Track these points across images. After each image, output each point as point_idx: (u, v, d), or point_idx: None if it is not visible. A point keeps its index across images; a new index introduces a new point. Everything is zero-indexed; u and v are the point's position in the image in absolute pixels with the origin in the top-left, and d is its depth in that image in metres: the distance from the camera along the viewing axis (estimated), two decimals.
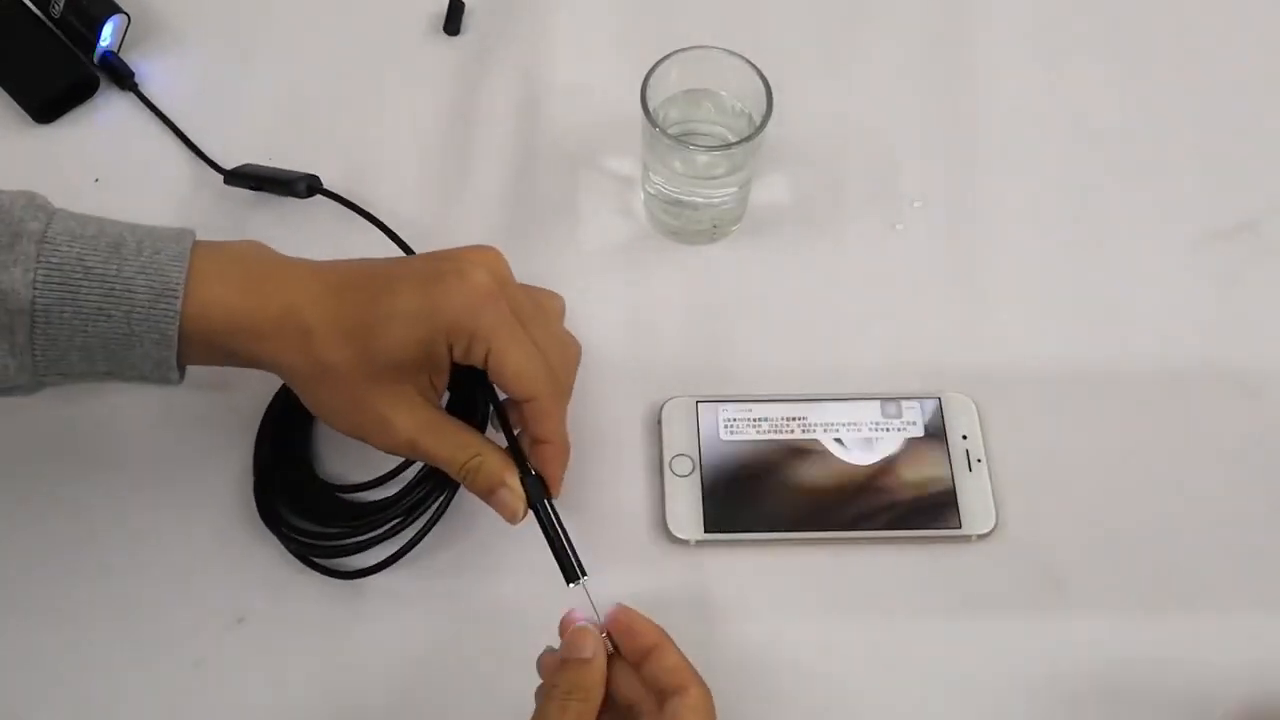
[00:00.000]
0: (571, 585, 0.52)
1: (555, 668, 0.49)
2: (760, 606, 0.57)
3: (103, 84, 0.72)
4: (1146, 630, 0.57)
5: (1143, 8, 0.77)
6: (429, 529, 0.56)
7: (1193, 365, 0.64)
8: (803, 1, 0.77)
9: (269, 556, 0.57)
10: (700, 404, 0.61)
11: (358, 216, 0.65)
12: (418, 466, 0.57)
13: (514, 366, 0.51)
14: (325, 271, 0.53)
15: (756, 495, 0.59)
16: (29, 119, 0.71)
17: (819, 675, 0.55)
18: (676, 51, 0.62)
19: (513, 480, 0.53)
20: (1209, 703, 0.55)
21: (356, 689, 0.55)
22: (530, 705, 0.49)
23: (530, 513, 0.53)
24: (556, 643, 0.50)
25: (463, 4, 0.76)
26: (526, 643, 0.50)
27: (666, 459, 0.60)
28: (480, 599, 0.57)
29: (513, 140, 0.71)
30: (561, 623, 0.50)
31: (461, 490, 0.55)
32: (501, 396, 0.55)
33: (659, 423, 0.61)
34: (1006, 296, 0.66)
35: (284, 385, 0.57)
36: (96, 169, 0.69)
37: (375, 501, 0.57)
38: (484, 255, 0.52)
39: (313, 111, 0.72)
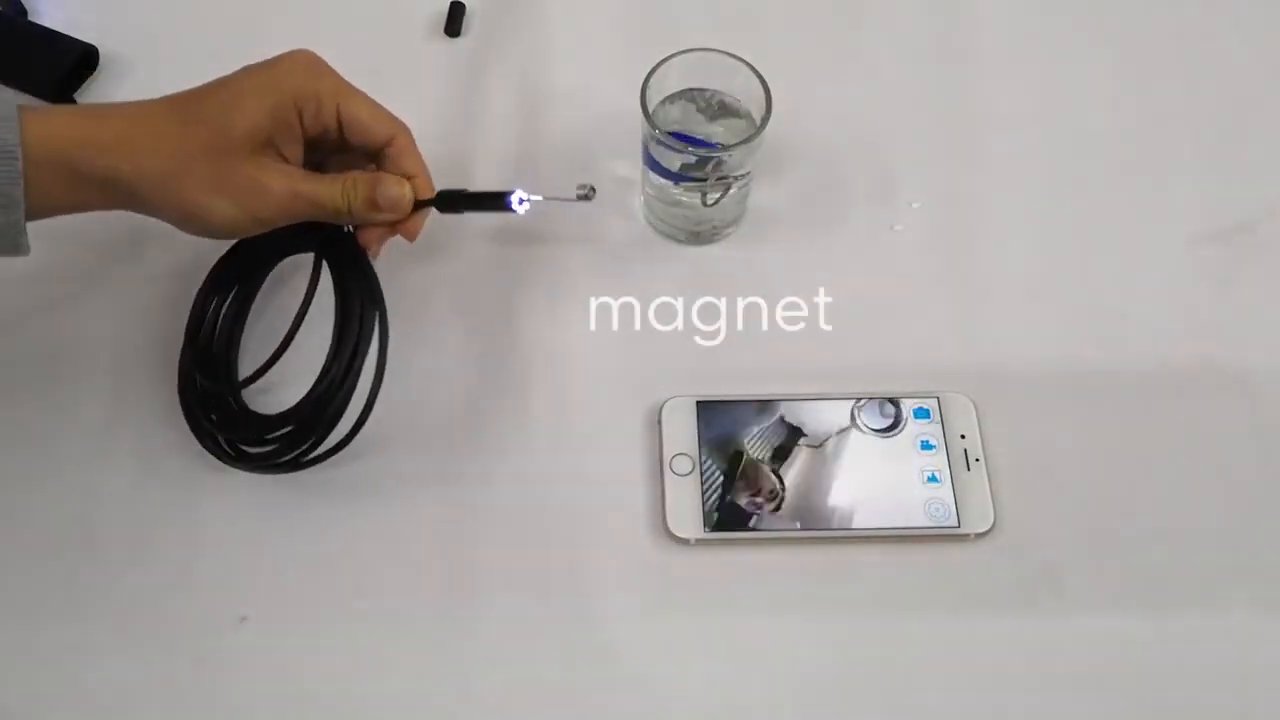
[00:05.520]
0: (521, 208, 0.59)
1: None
2: (760, 606, 0.57)
3: (103, 56, 0.73)
4: (1144, 629, 0.57)
5: (1142, 8, 0.77)
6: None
7: (1191, 365, 0.64)
8: (802, 3, 0.77)
9: (269, 552, 0.58)
10: (700, 404, 0.61)
11: None
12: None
13: (367, 111, 0.57)
14: (162, 96, 0.54)
15: (756, 495, 0.59)
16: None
17: (819, 674, 0.56)
18: (676, 53, 0.62)
19: (390, 175, 0.57)
20: (1207, 703, 0.55)
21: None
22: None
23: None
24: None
25: (463, 6, 0.76)
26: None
27: (666, 459, 0.60)
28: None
29: (513, 141, 0.71)
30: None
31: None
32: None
33: (659, 423, 0.61)
34: (1005, 297, 0.66)
35: None
36: None
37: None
38: (304, 50, 0.56)
39: None
